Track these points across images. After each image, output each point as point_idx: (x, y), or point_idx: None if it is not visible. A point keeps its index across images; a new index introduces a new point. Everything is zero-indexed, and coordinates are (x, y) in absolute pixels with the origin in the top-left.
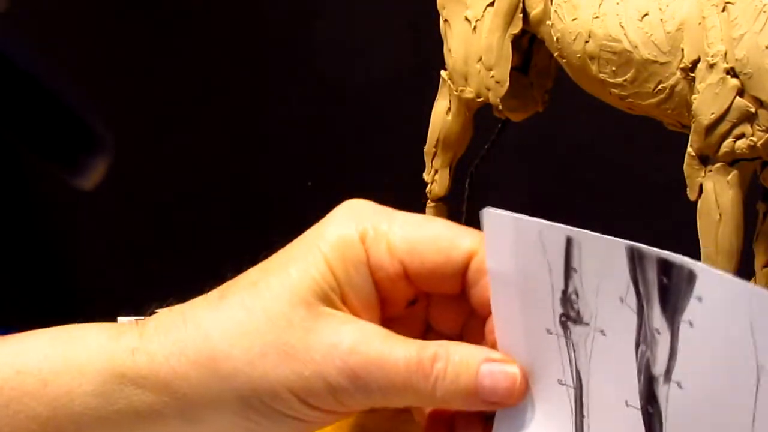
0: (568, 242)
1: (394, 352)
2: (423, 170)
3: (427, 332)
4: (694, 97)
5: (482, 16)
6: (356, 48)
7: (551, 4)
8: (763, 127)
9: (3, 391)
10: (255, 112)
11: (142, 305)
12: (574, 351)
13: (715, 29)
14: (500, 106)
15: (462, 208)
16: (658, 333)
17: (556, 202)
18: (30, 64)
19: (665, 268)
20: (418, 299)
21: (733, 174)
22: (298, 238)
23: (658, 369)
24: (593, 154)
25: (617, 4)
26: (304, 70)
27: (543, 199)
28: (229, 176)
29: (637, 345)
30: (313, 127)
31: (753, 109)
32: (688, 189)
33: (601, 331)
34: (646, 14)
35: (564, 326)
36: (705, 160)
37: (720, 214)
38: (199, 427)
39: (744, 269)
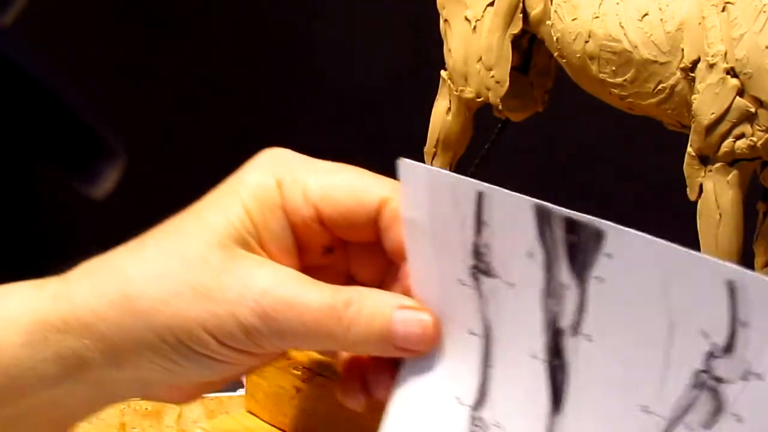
0: (480, 197)
1: (308, 295)
2: None
3: (348, 282)
4: (694, 97)
5: (482, 16)
6: (356, 48)
7: (551, 4)
8: (763, 127)
9: None
10: (255, 112)
11: None
12: (484, 302)
13: (715, 29)
14: (500, 106)
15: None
16: (566, 288)
17: (556, 202)
18: (40, 74)
19: (572, 226)
20: (335, 247)
21: (733, 174)
22: (223, 184)
23: (566, 322)
24: (593, 154)
25: (617, 4)
26: (304, 70)
27: (543, 199)
28: (229, 176)
29: (545, 299)
30: (312, 127)
31: (753, 109)
32: (688, 189)
33: (510, 284)
34: (646, 14)
35: (475, 277)
36: (705, 160)
37: (720, 214)
38: (122, 369)
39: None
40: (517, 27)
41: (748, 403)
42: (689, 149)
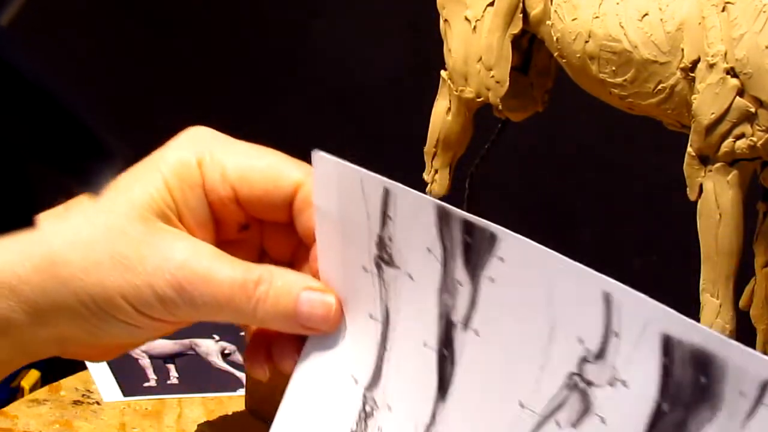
0: (386, 192)
1: (221, 270)
2: (423, 170)
3: (261, 257)
4: (694, 97)
5: (482, 16)
6: (356, 48)
7: (551, 4)
8: (763, 127)
9: None
10: (255, 112)
11: None
12: (385, 290)
13: (715, 29)
14: (500, 106)
15: (462, 208)
16: (460, 284)
17: (556, 202)
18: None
19: (468, 228)
20: (250, 225)
21: (733, 174)
22: (145, 160)
23: (457, 316)
24: (593, 154)
25: (617, 4)
26: (304, 70)
27: (543, 199)
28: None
29: (441, 292)
30: (312, 127)
31: (753, 109)
32: (688, 189)
33: (410, 276)
34: (646, 14)
35: (378, 266)
36: (705, 160)
37: (720, 214)
38: (45, 330)
39: (744, 269)
40: (517, 27)
41: (612, 407)
42: (689, 149)
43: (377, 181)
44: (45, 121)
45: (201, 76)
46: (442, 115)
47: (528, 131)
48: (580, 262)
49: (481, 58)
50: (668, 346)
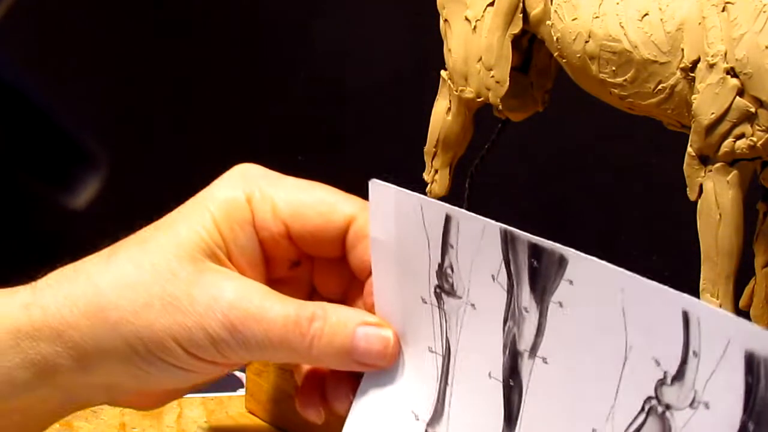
0: (447, 219)
1: (273, 309)
2: (423, 170)
3: (311, 295)
4: (694, 97)
5: (482, 15)
6: (356, 48)
7: (551, 4)
8: (763, 127)
9: None
10: (254, 112)
11: None
12: (446, 321)
13: (715, 29)
14: (500, 106)
15: (462, 208)
16: (526, 311)
17: (556, 202)
18: (18, 81)
19: (536, 252)
20: (301, 261)
21: (733, 174)
22: (190, 198)
23: (524, 345)
24: (593, 154)
25: (617, 4)
26: (304, 70)
27: (543, 199)
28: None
29: (505, 321)
30: (313, 127)
31: (753, 109)
32: (688, 189)
33: (473, 305)
34: (646, 14)
35: (438, 297)
36: (705, 160)
37: (720, 214)
38: (93, 376)
39: (744, 269)
40: (517, 27)
41: (694, 430)
42: (689, 149)
43: (438, 207)
44: (24, 129)
45: (201, 76)
46: (442, 115)
47: (528, 131)
48: None
49: (481, 58)
50: (752, 363)
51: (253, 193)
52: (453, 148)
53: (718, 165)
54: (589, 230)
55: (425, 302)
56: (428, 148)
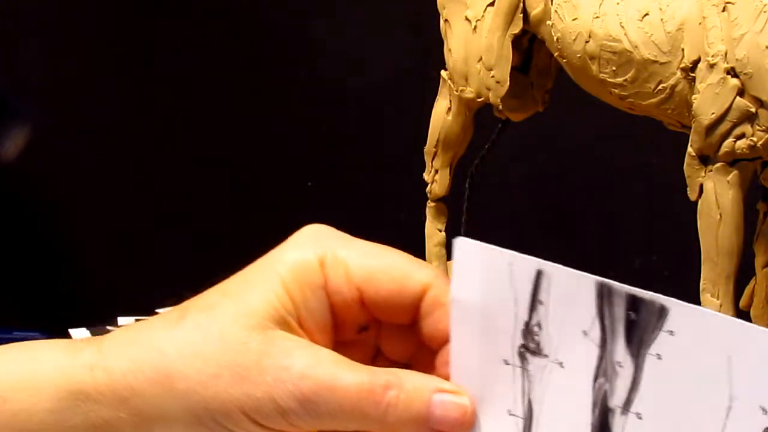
0: (538, 275)
1: (346, 377)
2: (423, 170)
3: (376, 357)
4: (694, 97)
5: (482, 16)
6: (356, 48)
7: (551, 4)
8: (763, 127)
9: None
10: (255, 113)
11: (141, 306)
12: (529, 382)
13: (715, 29)
14: (500, 106)
15: (462, 208)
16: (620, 366)
17: (556, 202)
18: None
19: (634, 303)
20: (369, 326)
21: (733, 174)
22: (258, 260)
23: (616, 401)
24: (593, 154)
25: (617, 4)
26: (304, 70)
27: (543, 199)
28: (229, 176)
29: (596, 377)
30: (313, 128)
31: (753, 109)
32: (688, 189)
33: (560, 363)
34: (647, 14)
35: (522, 357)
36: (705, 160)
37: (720, 214)
38: None
39: (744, 269)
40: (517, 27)
41: None
42: (689, 149)
43: (529, 263)
44: None
45: (200, 76)
46: (442, 115)
47: (528, 131)
48: (581, 262)
49: (481, 58)
50: None
51: (325, 256)
52: (453, 148)
53: (718, 165)
54: (589, 230)
55: (507, 363)
56: (428, 148)
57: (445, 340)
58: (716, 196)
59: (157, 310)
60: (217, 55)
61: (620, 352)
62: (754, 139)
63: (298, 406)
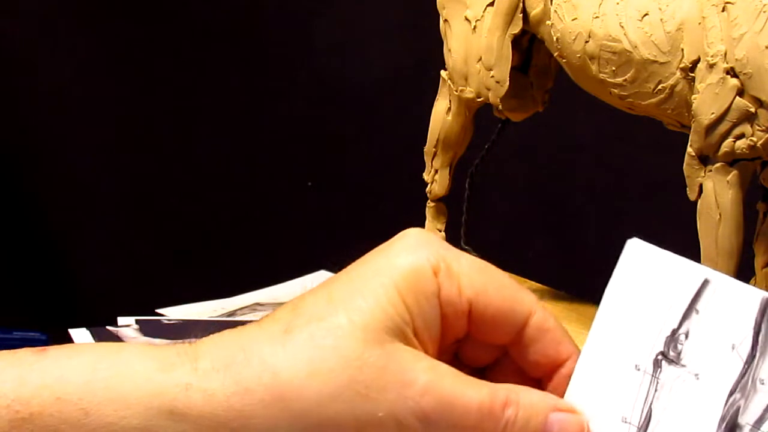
0: (704, 283)
1: (467, 394)
2: (423, 170)
3: (451, 361)
4: (694, 97)
5: (482, 16)
6: (356, 48)
7: (551, 4)
8: (763, 127)
9: (42, 417)
10: (255, 112)
11: (141, 305)
12: (655, 390)
13: (715, 29)
14: (500, 106)
15: (462, 208)
16: (762, 383)
17: (556, 202)
18: None
19: None
20: (464, 339)
21: (733, 174)
22: (363, 263)
23: (748, 418)
24: (593, 154)
25: (617, 4)
26: (304, 70)
27: (543, 199)
28: (229, 176)
29: (731, 392)
30: (313, 127)
31: (753, 109)
32: (688, 189)
33: (696, 375)
34: (646, 14)
35: (656, 364)
36: (705, 160)
37: (720, 214)
38: None
39: (744, 269)
40: (517, 27)
41: None
42: (689, 149)
43: (699, 270)
44: None
45: (200, 76)
46: (442, 115)
47: (528, 131)
48: (581, 262)
49: (481, 58)
50: None
51: (438, 265)
52: (453, 148)
53: (718, 165)
54: (588, 230)
55: (638, 369)
56: (428, 148)
57: (550, 367)
58: (716, 196)
59: (157, 311)
60: (217, 55)
61: (766, 369)
62: (754, 139)
63: (418, 424)
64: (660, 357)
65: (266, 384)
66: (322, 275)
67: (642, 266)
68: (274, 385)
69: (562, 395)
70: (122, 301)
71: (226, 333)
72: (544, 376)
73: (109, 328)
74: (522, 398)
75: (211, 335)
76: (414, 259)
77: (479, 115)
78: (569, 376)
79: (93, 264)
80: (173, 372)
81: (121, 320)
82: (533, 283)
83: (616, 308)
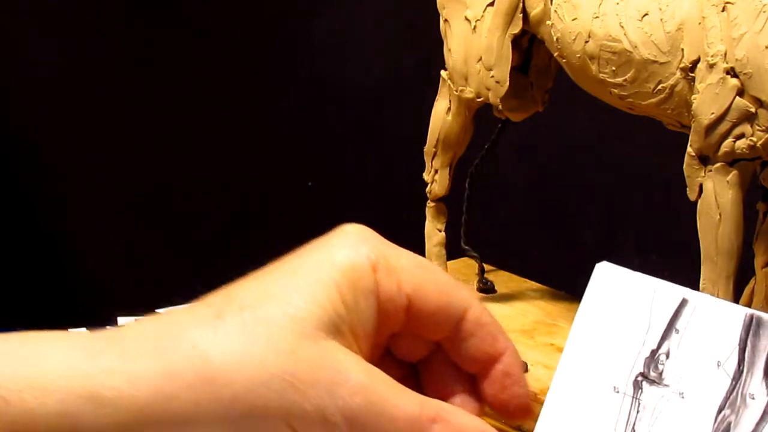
0: (682, 303)
1: (397, 402)
2: (423, 170)
3: (384, 357)
4: (694, 97)
5: (482, 16)
6: (356, 48)
7: (551, 4)
8: (763, 127)
9: None
10: (254, 112)
11: (141, 305)
12: (636, 412)
13: (715, 29)
14: (500, 106)
15: (462, 208)
16: (752, 398)
17: (556, 202)
18: None
19: None
20: (399, 335)
21: (733, 174)
22: (300, 257)
23: None
24: (593, 154)
25: (617, 4)
26: (304, 70)
27: (543, 199)
28: (229, 176)
29: (720, 409)
30: (312, 128)
31: (753, 109)
32: (688, 189)
33: (680, 394)
34: (646, 14)
35: (636, 386)
36: (705, 160)
37: (720, 214)
38: None
39: (744, 269)
40: (517, 27)
41: None
42: (689, 149)
43: (675, 291)
44: None
45: (200, 76)
46: (442, 115)
47: (528, 131)
48: (581, 262)
49: (481, 58)
50: None
51: (378, 262)
52: (453, 148)
53: (718, 165)
54: (588, 230)
55: (617, 391)
56: (428, 148)
57: (485, 363)
58: (716, 196)
59: (157, 311)
60: (217, 55)
61: (755, 383)
62: (754, 139)
63: (344, 423)
64: (640, 378)
65: (196, 368)
66: None
67: (613, 289)
68: (204, 370)
69: (497, 391)
70: (122, 301)
71: (155, 318)
72: (479, 371)
73: (109, 328)
74: (453, 418)
75: (139, 319)
76: (353, 255)
77: (479, 115)
78: (504, 372)
79: (93, 264)
80: (99, 358)
81: (121, 320)
82: (533, 283)
83: (588, 332)
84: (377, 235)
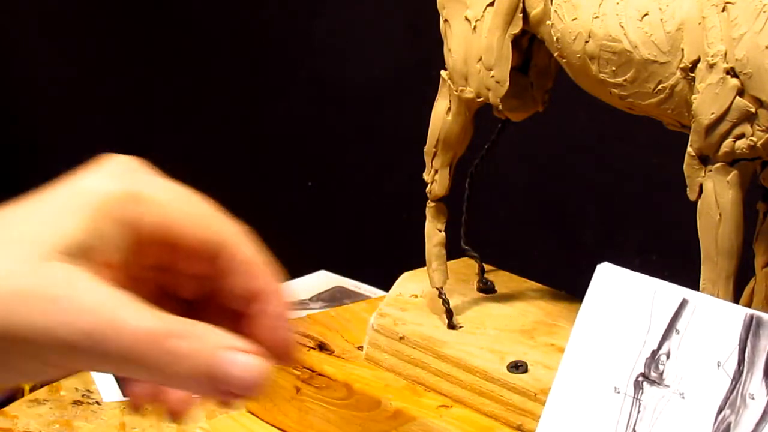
0: (682, 304)
1: (137, 320)
2: (423, 170)
3: (161, 298)
4: (694, 97)
5: (482, 16)
6: (356, 48)
7: (551, 4)
8: (763, 127)
9: None
10: (254, 112)
11: None
12: (637, 412)
13: (715, 29)
14: (500, 106)
15: (462, 208)
16: (752, 398)
17: (556, 202)
18: None
19: None
20: (161, 266)
21: (733, 174)
22: (61, 185)
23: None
24: (593, 154)
25: (617, 4)
26: (304, 70)
27: (543, 199)
28: (229, 176)
29: (720, 409)
30: (312, 127)
31: (753, 109)
32: (688, 189)
33: (681, 394)
34: (646, 14)
35: (637, 386)
36: (705, 160)
37: (720, 214)
38: None
39: (744, 269)
40: (517, 27)
41: None
42: (689, 149)
43: (675, 291)
44: None
45: (200, 76)
46: (442, 115)
47: (528, 131)
48: (581, 262)
49: (481, 58)
50: None
51: (135, 192)
52: (453, 148)
53: (718, 165)
54: (588, 230)
55: (618, 392)
56: (428, 148)
57: (249, 299)
58: (716, 196)
59: None
60: (217, 55)
61: (755, 383)
62: (754, 139)
63: (85, 341)
64: (641, 378)
65: None
66: (322, 275)
67: (614, 290)
68: None
69: (263, 332)
70: None
71: None
72: (245, 310)
73: None
74: (198, 333)
75: None
76: (111, 183)
77: (479, 115)
78: (269, 313)
79: None
80: None
81: None
82: (533, 283)
83: (589, 333)
84: (144, 167)
